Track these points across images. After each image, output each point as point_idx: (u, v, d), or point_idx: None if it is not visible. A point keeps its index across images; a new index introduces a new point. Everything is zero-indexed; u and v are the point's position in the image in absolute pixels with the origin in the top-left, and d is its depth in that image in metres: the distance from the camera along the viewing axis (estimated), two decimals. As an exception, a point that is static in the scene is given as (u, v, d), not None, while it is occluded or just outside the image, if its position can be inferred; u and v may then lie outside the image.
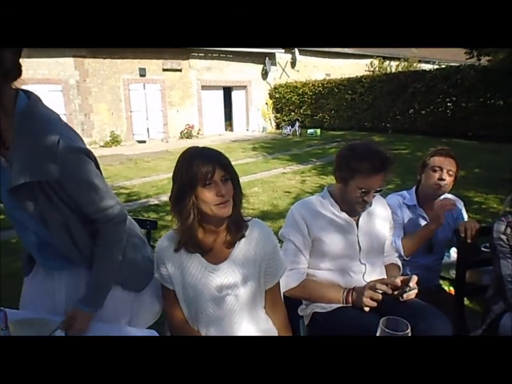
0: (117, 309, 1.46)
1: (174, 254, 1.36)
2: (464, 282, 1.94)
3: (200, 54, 15.23)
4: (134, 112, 14.16)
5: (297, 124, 15.62)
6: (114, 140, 13.69)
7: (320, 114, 16.16)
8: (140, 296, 1.52)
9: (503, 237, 1.72)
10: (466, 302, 2.72)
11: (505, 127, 10.60)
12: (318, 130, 14.94)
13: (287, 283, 1.66)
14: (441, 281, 2.42)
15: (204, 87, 15.75)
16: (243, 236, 1.37)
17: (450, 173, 2.05)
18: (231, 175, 1.29)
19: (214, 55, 15.55)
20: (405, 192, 2.25)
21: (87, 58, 12.94)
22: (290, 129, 15.45)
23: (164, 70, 14.59)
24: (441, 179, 2.04)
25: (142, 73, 14.12)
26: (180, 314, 1.41)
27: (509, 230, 1.72)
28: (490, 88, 11.13)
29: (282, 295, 1.65)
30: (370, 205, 1.65)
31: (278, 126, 17.61)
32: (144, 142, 14.28)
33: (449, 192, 2.15)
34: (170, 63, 14.60)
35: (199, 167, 1.23)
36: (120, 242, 1.38)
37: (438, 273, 2.35)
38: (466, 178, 6.49)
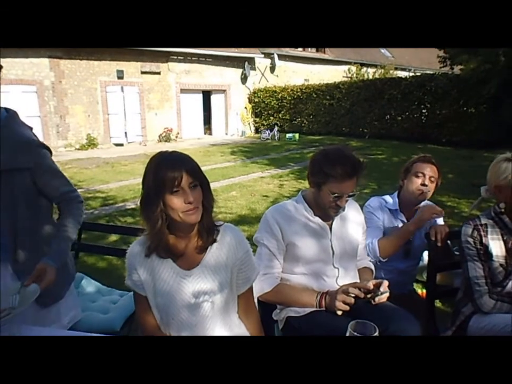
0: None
1: (145, 260, 1.34)
2: (435, 285, 1.98)
3: (179, 57, 15.15)
4: (112, 115, 13.94)
5: (276, 128, 15.71)
6: (91, 143, 13.44)
7: (299, 119, 16.31)
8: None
9: (470, 239, 1.75)
10: (438, 304, 2.80)
11: (477, 133, 10.96)
12: (297, 135, 15.06)
13: (261, 287, 1.67)
14: (414, 284, 2.47)
15: (183, 91, 15.66)
16: (215, 241, 1.36)
17: (432, 179, 2.09)
18: (200, 181, 1.28)
19: (193, 58, 15.50)
20: (387, 196, 2.28)
21: (63, 59, 12.67)
22: (269, 134, 15.52)
23: (142, 72, 14.44)
24: (423, 185, 2.07)
25: (120, 75, 13.93)
26: (152, 320, 1.39)
27: (475, 233, 1.74)
28: (463, 96, 11.50)
29: (256, 299, 1.66)
30: (344, 210, 1.67)
31: (257, 130, 17.67)
32: (121, 145, 14.08)
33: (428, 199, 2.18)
34: (148, 66, 14.46)
35: (166, 173, 1.21)
36: (80, 216, 1.69)
37: (413, 278, 2.39)
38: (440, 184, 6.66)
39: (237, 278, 1.40)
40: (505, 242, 1.73)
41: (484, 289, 1.72)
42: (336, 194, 1.56)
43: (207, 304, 1.34)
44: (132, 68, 14.17)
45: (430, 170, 2.08)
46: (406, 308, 1.63)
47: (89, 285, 2.27)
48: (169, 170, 1.21)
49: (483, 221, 1.77)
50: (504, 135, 10.26)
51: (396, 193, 2.27)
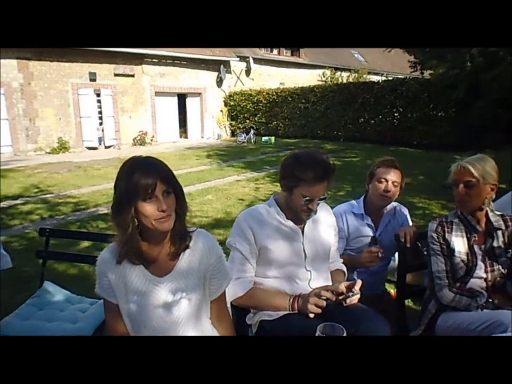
0: None
1: (116, 266, 1.31)
2: (405, 285, 2.03)
3: (153, 60, 14.99)
4: (84, 118, 13.62)
5: (252, 131, 15.75)
6: (62, 147, 13.08)
7: (275, 122, 16.40)
8: None
9: (434, 235, 1.84)
10: (410, 303, 2.86)
11: (446, 136, 11.30)
12: (273, 138, 15.14)
13: (234, 292, 1.66)
14: (387, 284, 2.52)
15: (158, 93, 15.49)
16: (187, 247, 1.34)
17: (395, 183, 2.11)
18: (173, 188, 1.26)
19: (168, 61, 15.36)
20: (353, 201, 2.31)
21: (32, 60, 12.30)
22: (245, 137, 15.53)
23: (116, 75, 14.20)
24: (386, 190, 2.10)
25: (92, 77, 13.65)
26: (123, 329, 1.36)
27: (439, 228, 1.83)
28: (432, 100, 11.85)
29: (230, 304, 1.65)
30: (315, 213, 1.68)
31: (233, 134, 17.66)
32: (95, 148, 13.79)
33: (395, 200, 2.23)
34: (122, 68, 14.24)
35: (140, 180, 1.18)
36: None
37: (384, 279, 2.43)
38: (411, 185, 6.81)
39: (209, 284, 1.39)
40: (469, 240, 1.80)
41: (444, 282, 1.80)
42: (307, 198, 1.58)
43: (179, 311, 1.33)
44: (104, 70, 13.92)
45: (393, 175, 2.11)
46: (379, 308, 1.66)
47: (58, 293, 2.20)
48: (142, 177, 1.19)
49: (449, 219, 1.86)
50: (472, 138, 10.61)
51: (362, 198, 2.30)
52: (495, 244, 1.79)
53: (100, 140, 13.94)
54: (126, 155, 11.76)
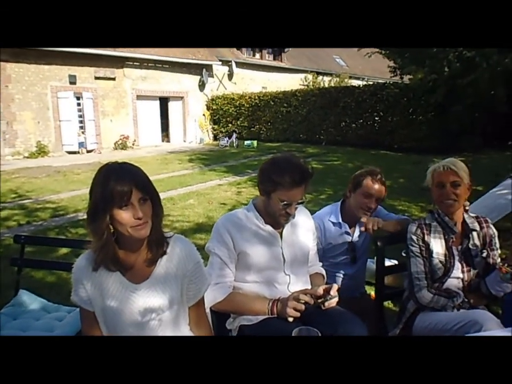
0: None
1: (93, 274, 1.29)
2: (384, 287, 2.05)
3: (135, 63, 14.87)
4: (64, 122, 13.38)
5: (234, 135, 15.75)
6: (41, 151, 12.82)
7: (257, 126, 16.44)
8: None
9: (414, 237, 1.87)
10: (390, 305, 2.90)
11: (426, 140, 11.53)
12: (255, 142, 15.17)
13: (214, 297, 1.65)
14: (367, 287, 2.54)
15: (140, 97, 15.36)
16: (164, 253, 1.33)
17: (379, 200, 2.11)
18: (150, 195, 1.25)
19: (149, 64, 15.26)
20: (327, 209, 2.27)
21: (10, 62, 12.04)
22: (227, 141, 15.53)
23: (96, 78, 14.03)
24: (369, 207, 2.08)
25: (72, 80, 13.45)
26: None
27: (419, 230, 1.87)
28: (412, 104, 12.08)
29: (209, 309, 1.64)
30: (294, 217, 1.69)
31: (215, 138, 17.63)
32: (75, 153, 13.56)
33: None
34: (103, 71, 14.08)
35: (115, 187, 1.17)
36: None
37: (363, 281, 2.45)
38: (391, 188, 6.89)
39: (187, 290, 1.38)
40: (446, 241, 1.85)
41: (423, 283, 1.84)
42: (285, 202, 1.59)
43: (156, 317, 1.32)
44: (85, 73, 13.73)
45: (378, 191, 2.09)
46: (358, 310, 1.67)
47: (33, 302, 2.15)
48: (118, 185, 1.17)
49: (427, 221, 1.90)
50: (451, 141, 10.87)
51: (338, 204, 2.26)
52: (471, 245, 1.84)
53: (81, 144, 13.72)
54: (106, 159, 11.42)
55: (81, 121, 13.81)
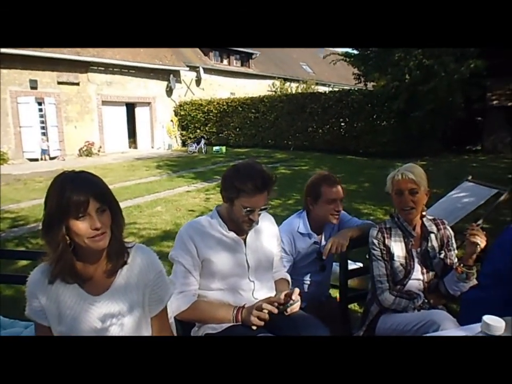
0: None
1: (48, 287, 1.24)
2: (347, 290, 2.09)
3: (99, 68, 14.57)
4: (24, 128, 12.92)
5: (202, 141, 15.69)
6: (0, 158, 12.30)
7: (226, 132, 16.45)
8: None
9: (375, 241, 1.92)
10: (356, 307, 2.95)
11: (389, 145, 11.89)
12: (224, 148, 15.17)
13: (178, 306, 1.63)
14: (333, 290, 2.57)
15: (105, 103, 15.05)
16: (125, 263, 1.30)
17: (343, 200, 2.13)
18: (108, 204, 1.22)
19: (115, 69, 14.99)
20: (294, 219, 2.23)
21: (-35, 67, 11.56)
22: (196, 147, 15.44)
23: (59, 83, 13.64)
24: (337, 210, 2.09)
25: (33, 85, 13.02)
26: (56, 352, 1.29)
27: (380, 234, 1.92)
28: (376, 110, 12.43)
29: (173, 318, 1.62)
30: (257, 223, 1.69)
31: (183, 143, 17.50)
32: (36, 160, 13.08)
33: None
34: (66, 76, 13.71)
35: (71, 197, 1.13)
36: None
37: (328, 287, 2.48)
38: (357, 192, 7.08)
39: (149, 299, 1.35)
40: (406, 244, 1.90)
41: (385, 286, 1.88)
42: (248, 209, 1.59)
43: (116, 330, 1.28)
44: (46, 78, 13.32)
45: (338, 193, 2.09)
46: (324, 314, 1.69)
47: (-13, 318, 2.05)
48: (74, 195, 1.14)
49: (388, 225, 1.95)
50: (412, 146, 11.26)
51: (305, 214, 2.22)
52: (429, 247, 1.90)
53: (44, 151, 13.26)
54: (70, 166, 11.10)
55: (43, 128, 13.38)
